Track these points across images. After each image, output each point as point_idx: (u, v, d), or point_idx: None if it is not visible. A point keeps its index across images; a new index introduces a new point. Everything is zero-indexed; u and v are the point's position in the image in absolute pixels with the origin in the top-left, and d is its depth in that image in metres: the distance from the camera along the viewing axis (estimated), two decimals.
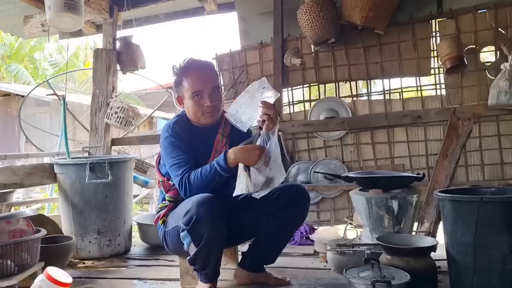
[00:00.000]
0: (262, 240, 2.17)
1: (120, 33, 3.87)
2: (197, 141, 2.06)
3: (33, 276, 2.08)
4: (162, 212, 2.11)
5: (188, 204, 1.88)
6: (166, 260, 2.82)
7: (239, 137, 2.04)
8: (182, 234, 1.90)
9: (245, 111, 1.90)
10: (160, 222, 2.12)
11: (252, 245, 2.25)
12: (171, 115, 11.73)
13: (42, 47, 15.76)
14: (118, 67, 3.82)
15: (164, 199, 2.14)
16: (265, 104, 1.87)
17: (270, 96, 1.91)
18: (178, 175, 1.95)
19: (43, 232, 2.30)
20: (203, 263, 1.95)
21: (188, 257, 1.97)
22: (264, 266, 2.27)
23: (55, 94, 3.69)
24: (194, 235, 1.86)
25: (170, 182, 2.09)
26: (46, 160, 3.83)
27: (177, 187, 1.97)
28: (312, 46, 3.62)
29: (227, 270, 2.39)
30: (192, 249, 1.91)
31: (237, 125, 1.91)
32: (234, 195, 2.27)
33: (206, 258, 1.93)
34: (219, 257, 2.00)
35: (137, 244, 3.28)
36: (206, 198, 1.85)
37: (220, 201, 1.90)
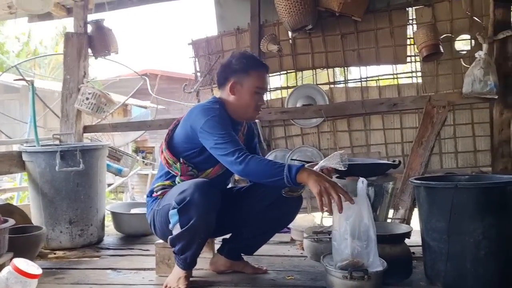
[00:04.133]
0: (248, 230, 2.15)
1: (92, 17, 3.73)
2: None
3: (1, 268, 2.00)
4: (166, 190, 2.06)
5: (186, 184, 1.88)
6: (140, 249, 2.77)
7: (248, 139, 2.20)
8: (171, 211, 1.89)
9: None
10: (159, 196, 2.07)
11: (236, 233, 2.22)
12: (146, 103, 11.52)
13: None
14: (90, 52, 3.69)
15: (170, 179, 2.07)
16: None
17: (339, 167, 1.84)
18: (237, 148, 1.83)
19: (11, 222, 2.21)
20: (183, 246, 1.93)
21: (170, 236, 1.95)
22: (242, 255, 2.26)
23: (23, 79, 3.55)
24: (183, 216, 1.85)
25: (187, 166, 2.02)
26: (15, 148, 3.68)
27: (233, 158, 1.81)
28: (289, 32, 3.58)
29: (203, 259, 2.35)
30: (176, 230, 1.91)
31: None
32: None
33: (188, 243, 1.92)
34: (201, 246, 1.99)
35: (111, 234, 3.21)
36: (205, 184, 1.86)
37: (218, 191, 1.92)
